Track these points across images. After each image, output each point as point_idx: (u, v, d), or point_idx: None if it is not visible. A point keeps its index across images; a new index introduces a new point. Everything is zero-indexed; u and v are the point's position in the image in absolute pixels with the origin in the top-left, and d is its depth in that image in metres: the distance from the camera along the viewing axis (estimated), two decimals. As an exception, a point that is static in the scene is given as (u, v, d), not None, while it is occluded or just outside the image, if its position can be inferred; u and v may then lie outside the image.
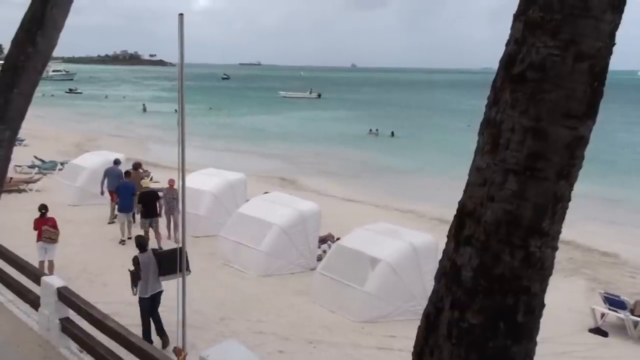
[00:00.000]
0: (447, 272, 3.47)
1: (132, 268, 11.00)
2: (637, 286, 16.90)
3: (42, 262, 13.33)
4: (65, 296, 8.94)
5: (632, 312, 13.79)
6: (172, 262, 9.49)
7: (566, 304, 14.75)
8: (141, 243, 11.28)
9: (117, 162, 20.05)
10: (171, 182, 17.16)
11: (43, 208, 13.64)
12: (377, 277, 13.23)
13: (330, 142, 48.30)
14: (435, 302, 3.52)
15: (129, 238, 16.39)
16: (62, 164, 27.08)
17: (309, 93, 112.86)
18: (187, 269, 10.25)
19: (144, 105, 77.68)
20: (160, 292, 10.97)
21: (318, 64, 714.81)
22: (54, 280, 9.31)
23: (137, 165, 20.20)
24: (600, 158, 40.47)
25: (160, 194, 17.42)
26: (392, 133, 53.85)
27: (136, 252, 11.13)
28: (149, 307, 10.84)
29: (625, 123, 69.86)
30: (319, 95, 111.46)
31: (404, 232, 14.54)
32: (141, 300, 10.87)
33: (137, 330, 10.19)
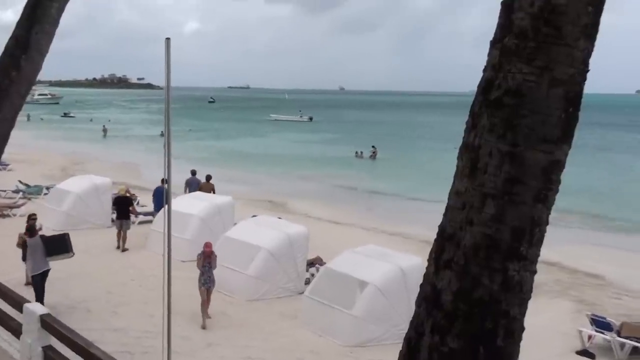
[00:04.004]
0: (428, 296, 3.49)
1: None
2: (623, 307, 16.93)
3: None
4: (48, 323, 8.81)
5: (619, 334, 13.80)
6: (55, 245, 13.29)
7: (553, 326, 14.75)
8: (30, 229, 13.45)
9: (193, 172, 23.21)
10: (208, 247, 14.02)
11: (31, 225, 14.09)
12: (365, 301, 13.18)
13: (318, 165, 48.37)
14: (416, 326, 3.54)
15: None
16: (47, 188, 26.88)
17: (300, 116, 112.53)
18: (70, 250, 13.56)
19: (104, 127, 75.57)
20: (48, 270, 13.15)
21: (306, 87, 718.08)
22: (36, 308, 9.19)
23: (208, 177, 23.30)
24: (586, 180, 40.98)
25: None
26: (373, 151, 54.35)
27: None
28: (40, 282, 13.02)
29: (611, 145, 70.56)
30: (311, 119, 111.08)
31: (392, 255, 14.53)
32: (33, 277, 13.17)
33: (123, 357, 10.13)
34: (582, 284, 19.13)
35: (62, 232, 14.49)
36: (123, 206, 19.58)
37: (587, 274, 20.12)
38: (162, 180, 21.14)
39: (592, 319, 14.38)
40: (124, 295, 14.75)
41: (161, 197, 19.83)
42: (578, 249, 23.43)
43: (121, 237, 19.12)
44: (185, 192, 22.40)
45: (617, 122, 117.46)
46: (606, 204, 33.39)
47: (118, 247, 19.10)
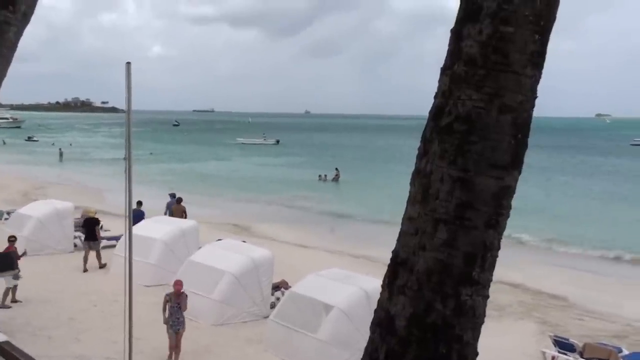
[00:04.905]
0: (382, 322, 3.49)
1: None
2: (585, 328, 17.16)
3: (7, 289, 15.24)
4: (6, 351, 8.58)
5: (581, 355, 13.94)
6: (1, 262, 14.62)
7: (517, 348, 14.88)
8: None
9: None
10: (178, 285, 12.73)
11: (12, 237, 15.99)
12: (330, 324, 13.13)
13: (283, 188, 48.37)
14: (370, 352, 3.54)
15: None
16: (8, 213, 26.32)
17: (264, 139, 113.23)
18: (16, 267, 14.83)
19: (60, 151, 74.51)
20: None
21: (272, 110, 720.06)
22: (-6, 335, 8.96)
23: (179, 200, 23.93)
24: (547, 202, 41.72)
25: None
26: (336, 174, 54.61)
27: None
28: None
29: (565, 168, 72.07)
30: (278, 142, 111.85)
31: (356, 278, 14.52)
32: None
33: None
34: (545, 306, 19.35)
35: (8, 250, 15.40)
36: (91, 227, 19.88)
37: (550, 295, 20.37)
38: (138, 203, 22.24)
39: (555, 340, 14.52)
40: (86, 322, 14.50)
41: (138, 220, 20.15)
42: (541, 270, 23.75)
43: (86, 260, 19.23)
44: (165, 214, 22.95)
45: (577, 145, 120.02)
46: (566, 226, 33.94)
47: (85, 270, 19.08)
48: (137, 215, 20.91)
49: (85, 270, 19.01)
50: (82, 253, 19.62)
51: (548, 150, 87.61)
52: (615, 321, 17.91)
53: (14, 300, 15.36)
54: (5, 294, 15.29)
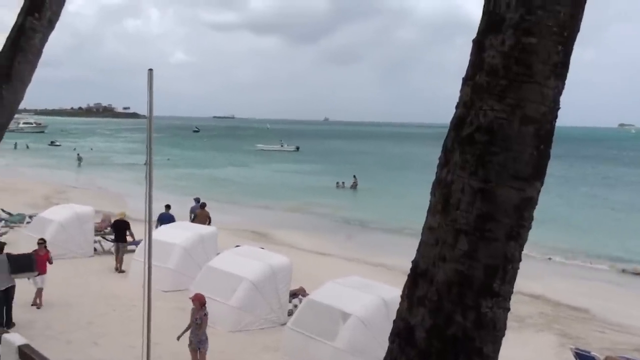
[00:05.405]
0: (401, 333, 3.47)
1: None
2: (606, 341, 16.93)
3: (40, 290, 15.53)
4: (26, 354, 8.68)
5: (602, 367, 13.78)
6: (21, 264, 14.24)
7: None
8: None
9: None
10: (196, 299, 11.91)
11: (41, 240, 15.89)
12: (347, 332, 13.08)
13: (300, 195, 48.39)
14: (389, 363, 3.52)
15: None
16: (30, 216, 26.64)
17: (281, 145, 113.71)
18: (35, 269, 14.68)
19: (78, 156, 74.51)
20: (13, 286, 13.97)
21: (292, 117, 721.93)
22: (14, 338, 9.06)
23: (203, 205, 24.15)
24: (569, 213, 41.31)
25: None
26: (354, 181, 54.56)
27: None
28: (3, 298, 13.75)
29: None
30: (297, 148, 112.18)
31: (374, 286, 14.48)
32: None
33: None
34: (566, 317, 19.14)
35: (29, 252, 15.24)
36: (121, 230, 20.43)
37: (571, 307, 20.14)
38: (167, 207, 23.04)
39: (576, 352, 14.34)
40: (105, 326, 14.57)
41: (167, 223, 21.23)
42: (561, 281, 23.51)
43: (119, 260, 19.90)
44: (190, 219, 23.49)
45: (599, 155, 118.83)
46: (587, 237, 33.61)
47: (116, 269, 19.81)
48: (166, 218, 22.10)
49: (121, 271, 19.65)
50: (102, 257, 19.92)
51: (569, 160, 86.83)
52: (637, 334, 17.66)
53: (34, 304, 15.52)
54: (38, 294, 15.55)
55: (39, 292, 15.59)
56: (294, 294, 16.96)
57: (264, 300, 15.62)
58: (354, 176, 55.56)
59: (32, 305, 15.45)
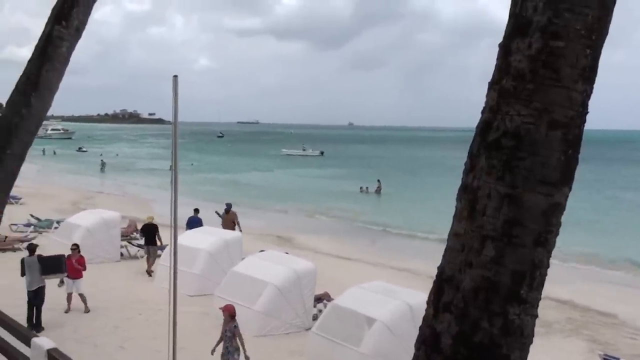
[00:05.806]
0: (427, 339, 3.44)
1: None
2: (636, 347, 16.62)
3: (70, 295, 15.63)
4: (55, 358, 8.79)
5: (632, 374, 13.56)
6: (51, 265, 14.65)
7: (565, 366, 14.51)
8: (30, 248, 14.75)
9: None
10: (226, 310, 11.69)
11: (74, 246, 16.08)
12: (372, 338, 13.01)
13: (324, 200, 48.37)
14: (415, 370, 3.48)
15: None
16: (58, 222, 26.99)
17: (303, 150, 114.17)
18: (65, 270, 15.25)
19: (102, 162, 74.33)
20: (42, 287, 14.30)
21: (316, 122, 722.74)
22: (43, 342, 9.16)
23: (228, 208, 24.39)
24: (595, 217, 40.70)
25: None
26: (378, 186, 54.44)
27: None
28: (33, 298, 14.14)
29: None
30: (322, 153, 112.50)
31: (399, 291, 14.38)
32: (28, 293, 14.19)
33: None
34: (594, 323, 18.84)
35: (59, 254, 15.58)
36: (150, 233, 20.76)
37: (600, 313, 19.82)
38: (195, 210, 23.50)
39: (604, 358, 14.13)
40: (131, 330, 14.67)
41: (196, 226, 21.56)
42: (589, 286, 23.18)
43: (151, 263, 20.38)
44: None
45: (627, 157, 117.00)
46: (614, 241, 33.10)
47: (148, 273, 20.30)
48: (194, 222, 22.57)
49: (150, 274, 20.06)
50: (129, 262, 20.13)
51: (596, 163, 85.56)
52: (668, 341, 17.32)
53: (67, 311, 15.66)
54: (68, 299, 15.68)
55: (70, 296, 15.73)
56: (318, 299, 16.94)
57: (289, 305, 15.61)
58: (378, 180, 55.39)
59: (65, 312, 15.62)
